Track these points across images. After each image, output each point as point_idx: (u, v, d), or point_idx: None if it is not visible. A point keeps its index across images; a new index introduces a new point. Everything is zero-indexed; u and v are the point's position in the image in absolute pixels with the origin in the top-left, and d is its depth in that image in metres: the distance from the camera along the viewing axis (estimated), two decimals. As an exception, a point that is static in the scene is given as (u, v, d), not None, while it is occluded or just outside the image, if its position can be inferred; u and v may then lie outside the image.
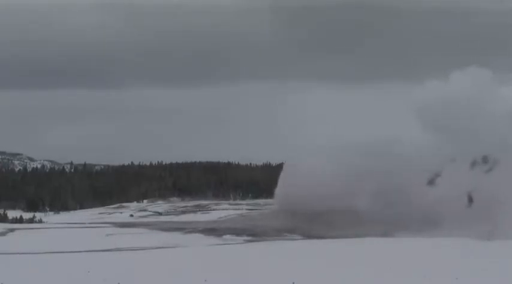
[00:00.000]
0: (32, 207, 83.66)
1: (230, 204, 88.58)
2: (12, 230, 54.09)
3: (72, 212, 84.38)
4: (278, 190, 73.27)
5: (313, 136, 75.52)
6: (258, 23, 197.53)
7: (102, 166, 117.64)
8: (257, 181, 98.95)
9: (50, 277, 28.73)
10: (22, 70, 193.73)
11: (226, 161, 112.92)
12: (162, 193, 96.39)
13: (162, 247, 41.85)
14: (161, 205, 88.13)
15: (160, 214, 78.67)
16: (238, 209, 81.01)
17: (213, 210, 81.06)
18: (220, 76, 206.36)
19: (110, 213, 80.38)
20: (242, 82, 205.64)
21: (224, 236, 49.07)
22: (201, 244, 44.49)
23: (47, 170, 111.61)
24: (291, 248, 43.58)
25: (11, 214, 70.17)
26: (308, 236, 50.10)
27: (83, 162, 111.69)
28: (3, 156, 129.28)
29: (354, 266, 31.58)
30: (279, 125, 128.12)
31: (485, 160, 56.13)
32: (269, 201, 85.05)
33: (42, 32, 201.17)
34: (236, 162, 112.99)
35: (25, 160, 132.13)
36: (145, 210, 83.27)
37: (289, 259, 35.60)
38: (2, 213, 68.42)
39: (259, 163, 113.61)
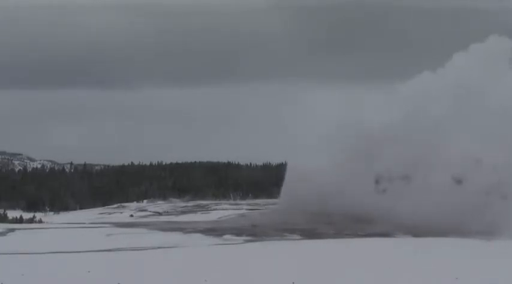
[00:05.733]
0: (32, 207, 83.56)
1: (230, 204, 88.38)
2: (12, 230, 54.00)
3: (72, 212, 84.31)
4: (284, 190, 72.75)
5: (314, 135, 74.25)
6: (258, 23, 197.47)
7: (102, 166, 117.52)
8: (257, 181, 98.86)
9: (50, 277, 28.77)
10: (22, 70, 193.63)
11: (226, 161, 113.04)
12: (162, 193, 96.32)
13: (162, 247, 41.82)
14: (161, 205, 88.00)
15: (160, 214, 78.57)
16: (239, 209, 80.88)
17: (213, 210, 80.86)
18: (220, 76, 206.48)
19: (110, 213, 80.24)
20: (242, 82, 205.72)
21: (224, 236, 48.95)
22: (201, 244, 44.42)
23: (47, 170, 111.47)
24: (291, 248, 43.58)
25: (11, 214, 70.02)
26: (308, 236, 50.03)
27: (83, 162, 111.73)
28: (3, 156, 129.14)
29: (354, 266, 31.62)
30: (279, 125, 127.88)
31: None
32: (269, 201, 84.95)
33: (44, 32, 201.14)
34: (236, 162, 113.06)
35: (25, 160, 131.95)
36: (145, 210, 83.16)
37: (289, 259, 35.62)
38: (2, 213, 68.31)
39: (259, 163, 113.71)
